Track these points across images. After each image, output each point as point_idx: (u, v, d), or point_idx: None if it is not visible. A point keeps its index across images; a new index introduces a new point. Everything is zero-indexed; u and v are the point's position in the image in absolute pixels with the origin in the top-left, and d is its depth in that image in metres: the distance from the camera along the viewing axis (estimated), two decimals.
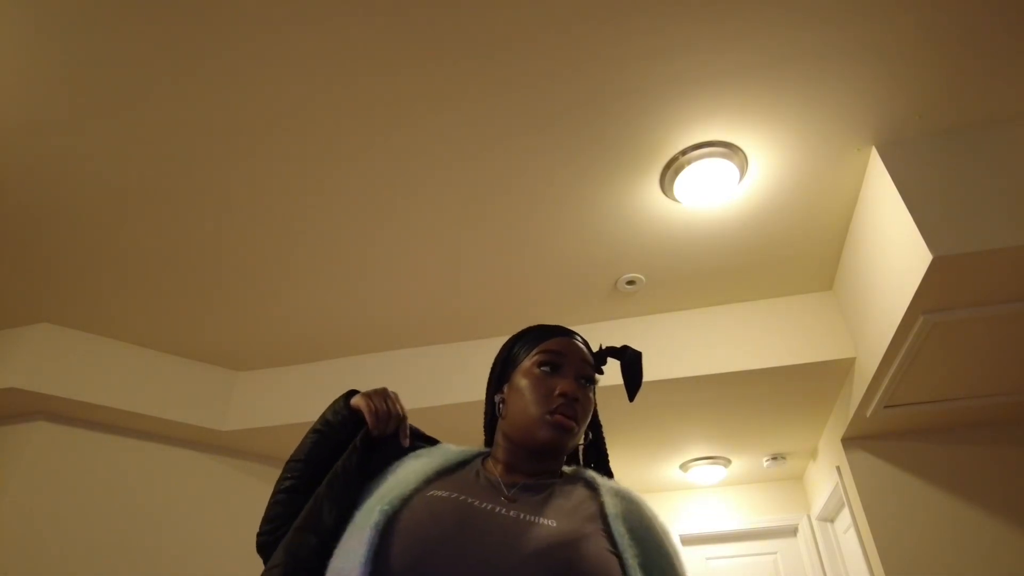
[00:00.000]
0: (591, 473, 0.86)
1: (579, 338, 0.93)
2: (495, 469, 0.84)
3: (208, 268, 2.24)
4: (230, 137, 1.75)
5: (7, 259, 2.15)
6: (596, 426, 0.96)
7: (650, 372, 2.43)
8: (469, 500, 0.73)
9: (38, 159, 1.79)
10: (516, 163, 1.87)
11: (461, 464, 0.84)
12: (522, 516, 0.72)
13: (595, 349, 0.96)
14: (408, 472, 0.79)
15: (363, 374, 2.76)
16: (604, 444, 0.96)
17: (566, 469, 0.89)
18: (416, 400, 2.55)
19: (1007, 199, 1.65)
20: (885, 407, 2.26)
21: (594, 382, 0.90)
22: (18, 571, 2.20)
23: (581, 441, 0.93)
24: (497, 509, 0.73)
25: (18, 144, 1.74)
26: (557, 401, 0.82)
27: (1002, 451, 2.40)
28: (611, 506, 0.76)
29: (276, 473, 0.98)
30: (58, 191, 1.90)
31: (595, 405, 0.91)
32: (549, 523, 0.71)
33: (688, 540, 3.61)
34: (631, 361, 0.94)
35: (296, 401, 2.76)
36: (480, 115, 1.72)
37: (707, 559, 3.61)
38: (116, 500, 2.51)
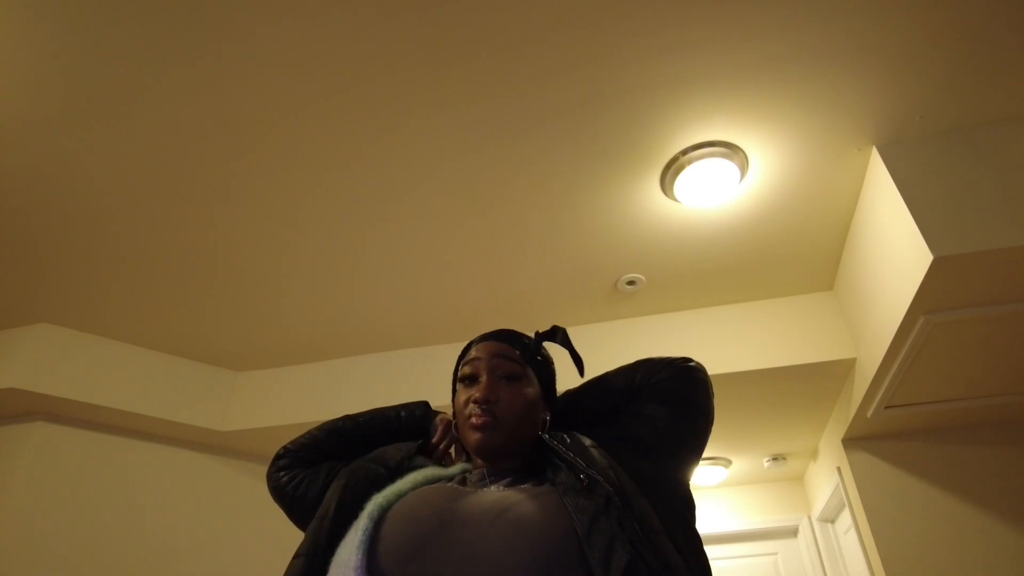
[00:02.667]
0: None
1: (503, 337, 0.97)
2: (476, 471, 0.90)
3: (208, 268, 2.24)
4: (230, 137, 1.75)
5: (7, 259, 2.15)
6: (551, 401, 0.98)
7: None
8: (453, 485, 0.83)
9: (38, 159, 1.79)
10: (516, 164, 1.87)
11: (456, 474, 0.90)
12: (491, 489, 0.81)
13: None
14: (407, 479, 0.85)
15: (363, 374, 2.75)
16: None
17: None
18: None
19: (1008, 199, 1.64)
20: (886, 408, 2.25)
21: (520, 377, 0.93)
22: (18, 571, 2.20)
23: (538, 431, 0.94)
24: (472, 489, 0.81)
25: (18, 144, 1.74)
26: (471, 408, 0.89)
27: (1003, 451, 2.39)
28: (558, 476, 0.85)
29: None
30: (58, 191, 1.89)
31: (535, 393, 0.94)
32: (514, 493, 0.79)
33: None
34: (564, 338, 0.99)
35: (296, 401, 2.76)
36: (479, 116, 1.71)
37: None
38: (116, 500, 2.50)
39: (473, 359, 0.94)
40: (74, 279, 2.26)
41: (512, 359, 0.93)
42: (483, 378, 0.91)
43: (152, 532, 2.53)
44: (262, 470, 2.91)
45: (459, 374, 0.96)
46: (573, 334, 1.02)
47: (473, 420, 0.88)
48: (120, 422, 2.60)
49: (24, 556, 2.23)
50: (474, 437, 0.87)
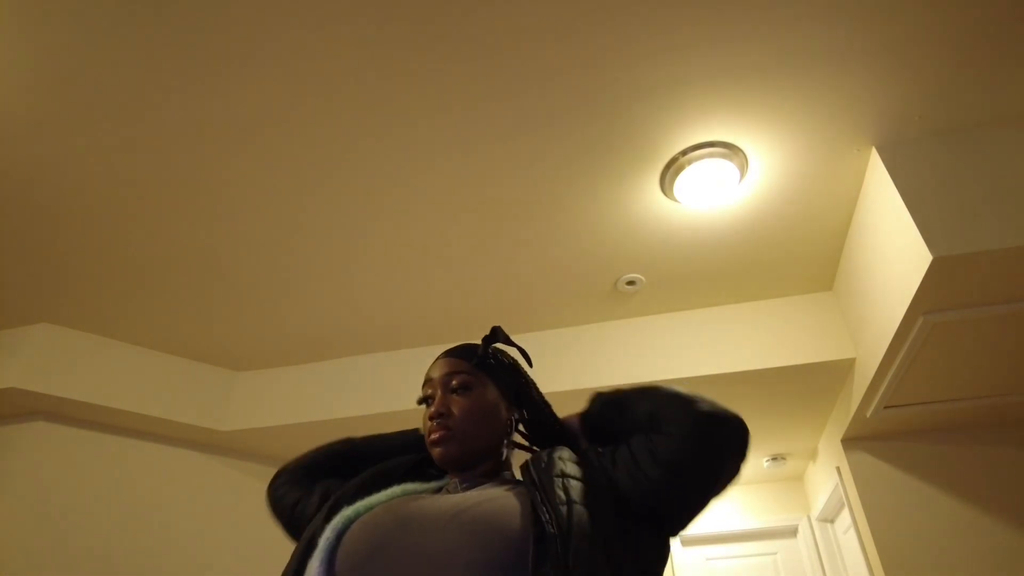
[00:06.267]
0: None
1: (452, 353, 0.99)
2: (452, 481, 0.92)
3: (208, 268, 2.24)
4: (229, 138, 1.75)
5: (7, 259, 2.15)
6: (522, 404, 0.99)
7: (651, 373, 2.43)
8: (422, 493, 0.86)
9: (38, 159, 1.79)
10: (516, 164, 1.87)
11: (434, 487, 0.92)
12: (451, 495, 0.84)
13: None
14: (383, 493, 0.86)
15: (363, 374, 2.75)
16: (543, 417, 1.01)
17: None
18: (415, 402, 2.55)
19: (1007, 199, 1.65)
20: (885, 407, 2.26)
21: (472, 386, 0.94)
22: (18, 571, 2.20)
23: (504, 433, 0.95)
24: (434, 495, 0.85)
25: (18, 144, 1.74)
26: (429, 425, 0.93)
27: (1002, 451, 2.40)
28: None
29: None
30: (58, 191, 1.90)
31: (492, 397, 0.95)
32: (476, 493, 0.81)
33: (688, 540, 3.61)
34: (504, 336, 1.01)
35: (296, 401, 2.76)
36: (480, 116, 1.72)
37: (707, 559, 3.61)
38: (116, 500, 2.50)
39: (428, 380, 0.97)
40: (74, 279, 2.26)
41: (463, 371, 0.96)
42: (437, 396, 0.94)
43: (152, 532, 2.53)
44: (262, 470, 2.92)
45: (421, 397, 0.99)
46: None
47: (432, 436, 0.90)
48: (120, 422, 2.60)
49: (24, 556, 2.23)
50: (435, 451, 0.90)
